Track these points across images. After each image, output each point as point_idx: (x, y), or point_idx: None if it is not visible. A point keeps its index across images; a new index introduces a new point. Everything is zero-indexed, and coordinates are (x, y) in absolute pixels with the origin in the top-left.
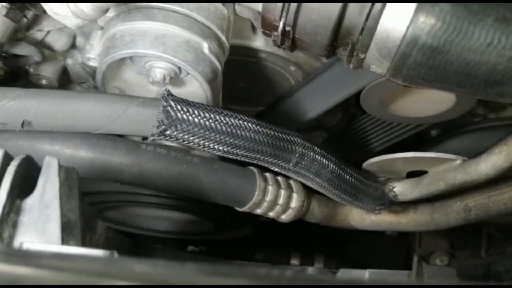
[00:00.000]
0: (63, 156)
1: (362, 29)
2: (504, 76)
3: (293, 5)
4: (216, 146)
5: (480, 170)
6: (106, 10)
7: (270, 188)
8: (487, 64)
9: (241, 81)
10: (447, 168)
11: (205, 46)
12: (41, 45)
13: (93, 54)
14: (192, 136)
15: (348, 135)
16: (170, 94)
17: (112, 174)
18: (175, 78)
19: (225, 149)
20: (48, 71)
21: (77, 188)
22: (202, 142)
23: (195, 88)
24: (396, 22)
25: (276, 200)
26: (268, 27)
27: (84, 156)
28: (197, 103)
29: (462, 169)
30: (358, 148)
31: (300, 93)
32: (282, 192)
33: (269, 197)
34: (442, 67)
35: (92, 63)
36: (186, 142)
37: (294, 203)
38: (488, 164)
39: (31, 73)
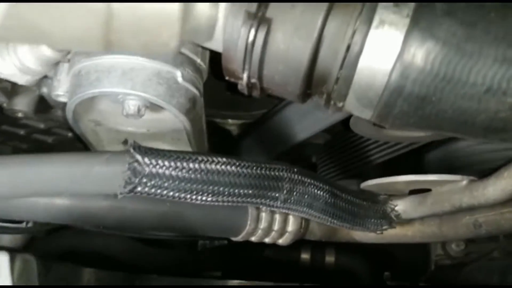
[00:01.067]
0: (38, 206)
1: (337, 78)
2: (507, 124)
3: (256, 55)
4: (194, 197)
5: (488, 195)
6: (57, 63)
7: (263, 215)
8: (486, 112)
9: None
10: (452, 189)
11: (178, 75)
12: (3, 86)
13: (61, 90)
14: (166, 190)
15: (348, 145)
16: (136, 146)
17: (92, 220)
18: (152, 106)
19: (204, 199)
20: (22, 105)
21: (36, 275)
22: (177, 194)
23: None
24: (376, 69)
25: (271, 226)
26: (231, 76)
27: (60, 204)
28: (168, 151)
29: (468, 192)
30: (358, 158)
31: (288, 113)
32: (277, 217)
33: (263, 224)
34: (433, 116)
35: (62, 99)
36: (160, 196)
37: (291, 226)
38: (496, 189)
39: (5, 108)
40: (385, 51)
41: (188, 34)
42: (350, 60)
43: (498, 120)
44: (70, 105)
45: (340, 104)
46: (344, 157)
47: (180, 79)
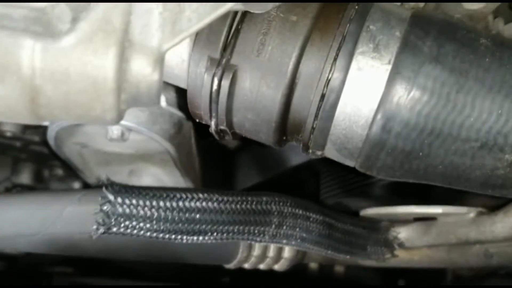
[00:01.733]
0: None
1: (313, 129)
2: (507, 181)
3: (222, 104)
4: (173, 237)
5: (497, 232)
6: None
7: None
8: (482, 168)
9: None
10: (458, 222)
11: (162, 99)
12: None
13: None
14: (142, 230)
15: None
16: (109, 184)
17: (75, 251)
18: None
19: (184, 238)
20: (10, 125)
21: None
22: (155, 235)
23: None
24: (354, 121)
25: (265, 253)
26: (200, 120)
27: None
28: (144, 188)
29: (475, 227)
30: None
31: None
32: (272, 244)
33: (256, 251)
34: (422, 171)
35: (44, 124)
36: (137, 236)
37: (287, 252)
38: (505, 227)
39: None
40: (364, 102)
41: (127, 104)
42: (325, 110)
43: (495, 177)
44: (51, 132)
45: (319, 153)
46: (349, 173)
47: (163, 103)
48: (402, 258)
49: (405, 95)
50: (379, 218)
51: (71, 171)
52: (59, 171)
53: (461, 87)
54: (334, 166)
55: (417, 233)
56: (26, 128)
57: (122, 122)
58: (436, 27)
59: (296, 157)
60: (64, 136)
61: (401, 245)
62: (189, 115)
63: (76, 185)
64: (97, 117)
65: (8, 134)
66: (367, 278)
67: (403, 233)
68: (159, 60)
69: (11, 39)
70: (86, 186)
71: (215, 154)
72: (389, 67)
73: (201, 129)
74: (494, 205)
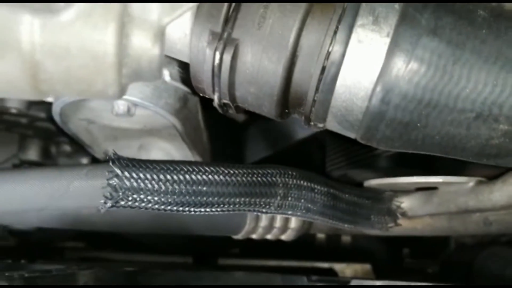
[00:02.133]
0: (29, 213)
1: (314, 101)
2: (501, 150)
3: (224, 78)
4: (180, 209)
5: (494, 200)
6: None
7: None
8: (477, 138)
9: None
10: (458, 191)
11: (165, 74)
12: None
13: None
14: (150, 203)
15: None
16: (116, 158)
17: (84, 225)
18: None
19: (191, 210)
20: (14, 101)
21: None
22: (163, 207)
23: None
24: (354, 94)
25: (272, 223)
26: (204, 94)
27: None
28: (151, 162)
29: (474, 196)
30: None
31: None
32: (278, 215)
33: (263, 222)
34: (420, 141)
35: (49, 100)
36: (145, 209)
37: (293, 223)
38: (503, 195)
39: None
40: (363, 74)
41: (129, 78)
42: (326, 83)
43: (490, 147)
44: (56, 107)
45: (321, 125)
46: (354, 145)
47: (167, 78)
48: (405, 227)
49: (403, 68)
50: (382, 188)
51: (79, 147)
52: (67, 147)
53: (458, 59)
54: (339, 139)
55: (419, 202)
56: (31, 104)
57: (127, 97)
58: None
59: (302, 130)
60: (69, 112)
61: (404, 214)
62: (194, 89)
63: (84, 161)
64: (99, 91)
65: (13, 110)
66: (373, 247)
67: (405, 202)
68: (159, 35)
69: (10, 15)
70: (95, 161)
71: (224, 128)
72: (388, 40)
73: (208, 103)
74: (493, 175)
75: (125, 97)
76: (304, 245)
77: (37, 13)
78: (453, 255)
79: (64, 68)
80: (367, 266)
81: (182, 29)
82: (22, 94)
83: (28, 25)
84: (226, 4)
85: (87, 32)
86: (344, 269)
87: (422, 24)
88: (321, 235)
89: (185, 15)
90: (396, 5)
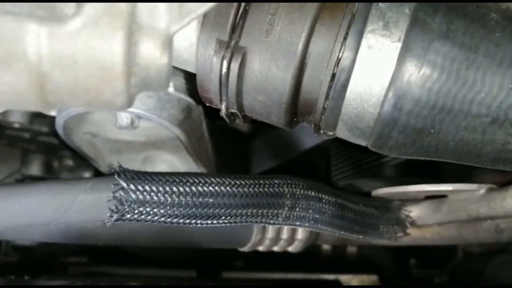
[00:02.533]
0: (33, 227)
1: (324, 109)
2: None
3: (232, 87)
4: (188, 221)
5: (507, 207)
6: None
7: (270, 226)
8: (492, 143)
9: None
10: (469, 198)
11: (169, 85)
12: None
13: None
14: (156, 216)
15: None
16: (121, 171)
17: (89, 240)
18: None
19: (198, 223)
20: (17, 116)
21: None
22: (169, 220)
23: None
24: (365, 100)
25: (279, 235)
26: (211, 104)
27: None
28: (157, 174)
29: (486, 203)
30: (375, 156)
31: None
32: (285, 227)
33: (270, 234)
34: (433, 147)
35: (52, 114)
36: (151, 222)
37: (300, 234)
38: None
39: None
40: (375, 80)
41: (137, 88)
42: (336, 90)
43: (506, 152)
44: (59, 121)
45: (331, 133)
46: (359, 154)
47: (171, 89)
48: (414, 236)
49: (415, 73)
50: (390, 197)
51: (82, 161)
52: (69, 162)
53: (471, 62)
54: (344, 148)
55: (428, 211)
56: (34, 118)
57: (131, 109)
58: (445, 3)
59: (308, 140)
60: (73, 125)
61: (413, 224)
62: (198, 100)
63: (87, 175)
64: (107, 102)
65: (16, 125)
66: (379, 258)
67: (414, 211)
68: (168, 43)
69: (16, 25)
70: (98, 175)
71: (229, 139)
72: (399, 44)
73: (212, 113)
74: (504, 182)
75: (129, 109)
76: (309, 256)
77: (43, 23)
78: (461, 264)
79: (71, 78)
80: (373, 277)
81: (188, 38)
82: (29, 105)
83: (35, 35)
84: (233, 12)
85: (95, 41)
86: (350, 280)
87: (434, 28)
88: (326, 246)
89: (191, 24)
90: (407, 10)
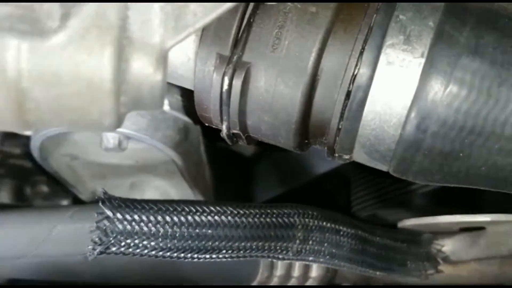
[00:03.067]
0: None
1: (339, 130)
2: None
3: (234, 106)
4: (183, 255)
5: None
6: None
7: (279, 261)
8: None
9: None
10: (510, 231)
11: (165, 102)
12: None
13: None
14: (146, 249)
15: None
16: (106, 198)
17: (67, 277)
18: None
19: (195, 256)
20: None
21: None
22: (161, 253)
23: None
24: (385, 121)
25: (290, 272)
26: (210, 124)
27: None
28: (147, 202)
29: None
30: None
31: None
32: (296, 262)
33: (279, 271)
34: (463, 173)
35: (26, 133)
36: (140, 256)
37: (314, 272)
38: None
39: None
40: (395, 99)
41: (127, 107)
42: (352, 110)
43: None
44: (35, 142)
45: (347, 157)
46: (383, 181)
47: (166, 107)
48: (448, 274)
49: (441, 91)
50: (419, 230)
51: (58, 187)
52: (44, 188)
53: (504, 80)
54: (366, 174)
55: (463, 245)
56: (4, 139)
57: (120, 129)
58: (473, 16)
59: (321, 163)
60: (51, 147)
61: (446, 259)
62: (196, 119)
63: (65, 203)
64: (94, 122)
65: None
66: None
67: (447, 245)
68: (162, 59)
69: None
70: (78, 203)
71: (229, 163)
72: (423, 60)
73: (211, 134)
74: None
75: (118, 129)
76: None
77: (25, 38)
78: None
79: (54, 96)
80: None
81: (185, 53)
82: (5, 125)
83: (15, 50)
84: (235, 25)
85: (81, 57)
86: None
87: (461, 43)
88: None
89: (189, 37)
90: (431, 22)
